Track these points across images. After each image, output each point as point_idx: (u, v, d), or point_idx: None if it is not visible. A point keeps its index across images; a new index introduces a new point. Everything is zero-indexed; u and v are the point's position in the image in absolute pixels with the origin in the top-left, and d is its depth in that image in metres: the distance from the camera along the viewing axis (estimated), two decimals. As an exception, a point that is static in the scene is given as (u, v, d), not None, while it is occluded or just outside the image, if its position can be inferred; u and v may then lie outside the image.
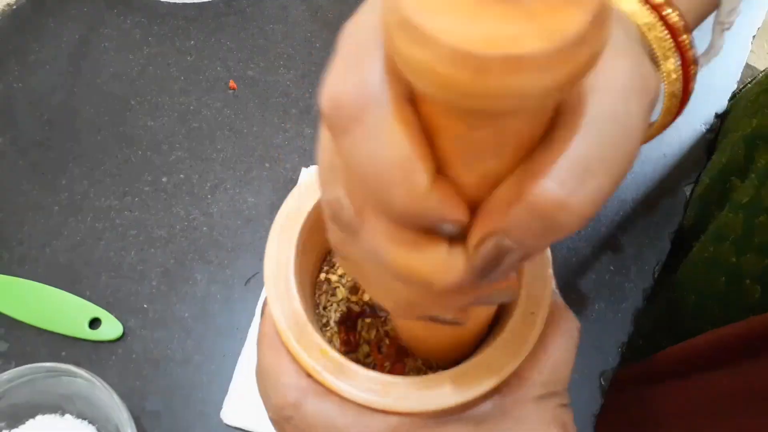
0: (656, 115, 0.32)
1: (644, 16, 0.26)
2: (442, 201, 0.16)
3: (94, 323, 0.53)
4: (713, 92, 0.68)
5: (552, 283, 0.28)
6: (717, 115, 0.66)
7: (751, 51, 0.71)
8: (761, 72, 0.66)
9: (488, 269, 0.17)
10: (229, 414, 0.50)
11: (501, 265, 0.17)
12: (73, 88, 0.63)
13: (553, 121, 0.16)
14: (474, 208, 0.17)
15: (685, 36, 0.27)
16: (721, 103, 0.67)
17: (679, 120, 0.65)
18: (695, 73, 0.29)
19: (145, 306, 0.54)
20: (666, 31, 0.26)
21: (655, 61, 0.27)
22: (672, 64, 0.27)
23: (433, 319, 0.22)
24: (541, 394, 0.26)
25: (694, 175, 0.63)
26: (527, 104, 0.13)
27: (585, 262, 0.58)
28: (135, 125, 0.62)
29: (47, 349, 0.52)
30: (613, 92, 0.16)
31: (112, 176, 0.60)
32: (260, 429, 0.49)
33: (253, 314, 0.54)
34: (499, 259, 0.17)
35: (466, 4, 0.12)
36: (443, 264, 0.17)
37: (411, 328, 0.30)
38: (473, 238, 0.17)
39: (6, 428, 0.48)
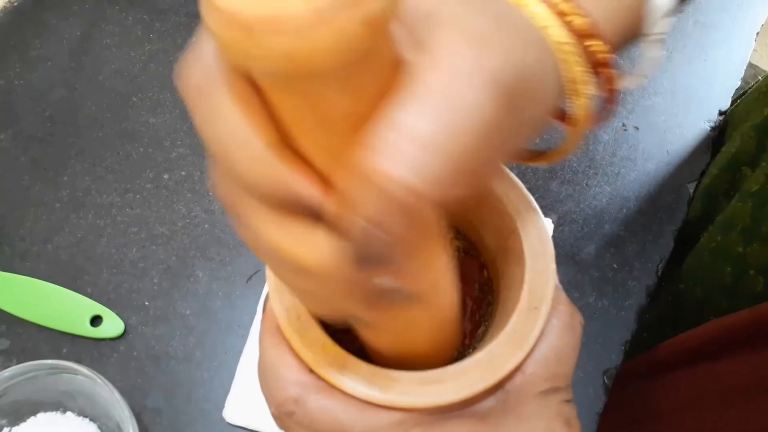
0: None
1: (558, 35, 0.22)
2: (286, 169, 0.16)
3: (96, 320, 0.53)
4: (716, 90, 0.68)
5: (555, 278, 0.28)
6: (720, 113, 0.66)
7: (754, 50, 0.71)
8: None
9: (361, 251, 0.17)
10: (231, 413, 0.50)
11: (371, 247, 0.16)
12: (75, 85, 0.63)
13: (391, 93, 0.16)
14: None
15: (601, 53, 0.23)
16: (724, 101, 0.67)
17: (683, 118, 0.65)
18: (617, 94, 0.26)
19: (146, 303, 0.54)
20: (574, 40, 0.23)
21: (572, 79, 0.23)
22: (588, 86, 0.24)
23: (352, 320, 0.22)
24: (545, 389, 0.26)
25: (697, 173, 0.63)
26: (305, 67, 0.14)
27: (588, 260, 0.57)
28: (136, 122, 0.62)
29: (48, 346, 0.52)
30: (456, 74, 0.16)
31: (114, 173, 0.59)
32: (263, 428, 0.49)
33: (255, 312, 0.54)
34: (366, 240, 0.16)
35: None
36: (313, 242, 0.17)
37: (371, 339, 0.29)
38: (330, 216, 0.17)
39: (7, 425, 0.48)
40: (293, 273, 0.19)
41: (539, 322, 0.26)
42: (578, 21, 0.23)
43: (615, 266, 0.57)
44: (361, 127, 0.16)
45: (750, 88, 0.68)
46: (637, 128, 0.65)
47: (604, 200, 0.60)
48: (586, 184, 0.61)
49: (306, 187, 0.17)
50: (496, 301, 0.34)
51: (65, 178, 0.59)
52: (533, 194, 0.30)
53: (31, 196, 0.58)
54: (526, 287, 0.27)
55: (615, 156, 0.63)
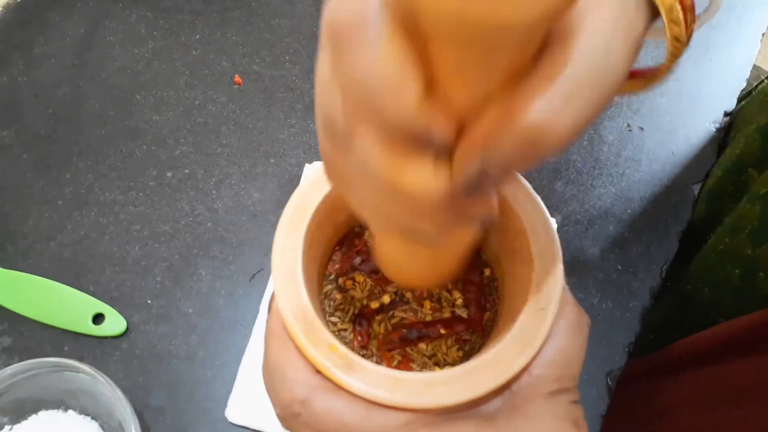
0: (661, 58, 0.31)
1: None
2: (430, 114, 0.17)
3: (98, 318, 0.53)
4: (722, 91, 0.67)
5: (562, 279, 0.28)
6: (726, 114, 0.66)
7: (759, 51, 0.71)
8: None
9: (471, 187, 0.18)
10: (234, 412, 0.49)
11: (484, 184, 0.18)
12: (78, 82, 0.63)
13: (543, 49, 0.17)
14: (462, 126, 0.18)
15: None
16: (729, 102, 0.67)
17: (688, 118, 0.65)
18: (693, 21, 0.28)
19: (149, 301, 0.54)
20: None
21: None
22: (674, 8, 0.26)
23: (412, 235, 0.22)
24: (552, 390, 0.26)
25: (702, 174, 0.63)
26: (515, 31, 0.14)
27: (592, 261, 0.57)
28: (140, 119, 0.62)
29: (51, 344, 0.52)
30: (600, 27, 0.18)
31: (117, 170, 0.59)
32: (266, 428, 0.49)
33: (257, 311, 0.54)
34: (483, 177, 0.18)
35: None
36: (428, 178, 0.18)
37: (389, 252, 0.30)
38: (460, 155, 0.18)
39: (9, 423, 0.47)
40: (393, 198, 0.20)
41: (547, 323, 0.26)
42: None
43: (619, 267, 0.57)
44: (515, 70, 0.17)
45: (754, 90, 0.68)
46: (642, 129, 0.64)
47: (608, 201, 0.60)
48: (591, 185, 0.61)
49: (442, 129, 0.17)
50: (501, 302, 0.34)
51: (68, 176, 0.59)
52: (538, 194, 0.30)
53: (34, 193, 0.58)
54: (533, 288, 0.27)
55: (620, 156, 0.63)
